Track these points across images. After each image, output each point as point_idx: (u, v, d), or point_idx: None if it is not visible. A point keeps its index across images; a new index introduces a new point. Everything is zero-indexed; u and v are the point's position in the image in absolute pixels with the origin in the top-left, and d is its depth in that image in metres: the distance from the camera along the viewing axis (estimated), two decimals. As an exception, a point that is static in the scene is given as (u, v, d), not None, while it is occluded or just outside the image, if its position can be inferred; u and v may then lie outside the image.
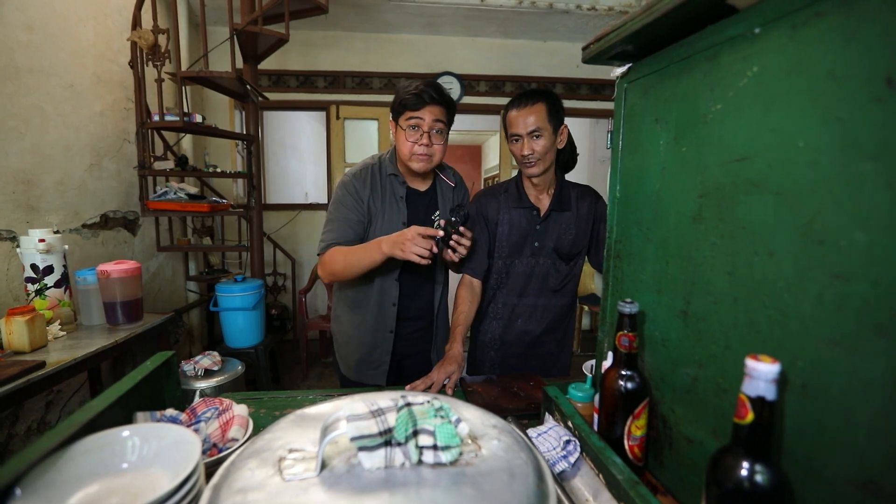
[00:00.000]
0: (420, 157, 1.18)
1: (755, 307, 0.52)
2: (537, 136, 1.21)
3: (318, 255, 1.23)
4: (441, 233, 1.07)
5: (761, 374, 0.43)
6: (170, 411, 0.74)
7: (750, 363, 0.44)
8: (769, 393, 0.44)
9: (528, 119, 1.20)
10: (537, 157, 1.22)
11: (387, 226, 1.24)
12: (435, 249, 1.04)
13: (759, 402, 0.44)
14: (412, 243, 1.02)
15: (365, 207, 1.23)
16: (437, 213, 1.32)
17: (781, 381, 0.46)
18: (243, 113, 2.77)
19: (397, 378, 1.38)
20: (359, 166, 1.27)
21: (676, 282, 0.66)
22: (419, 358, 1.40)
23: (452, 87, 3.74)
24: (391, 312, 1.29)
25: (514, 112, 1.23)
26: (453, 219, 1.12)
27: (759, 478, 0.44)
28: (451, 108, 1.21)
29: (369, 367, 1.32)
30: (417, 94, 1.14)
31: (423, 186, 1.31)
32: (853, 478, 0.42)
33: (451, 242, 1.10)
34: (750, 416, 0.44)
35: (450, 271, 1.43)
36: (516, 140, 1.24)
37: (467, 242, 1.12)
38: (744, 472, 0.45)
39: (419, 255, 1.02)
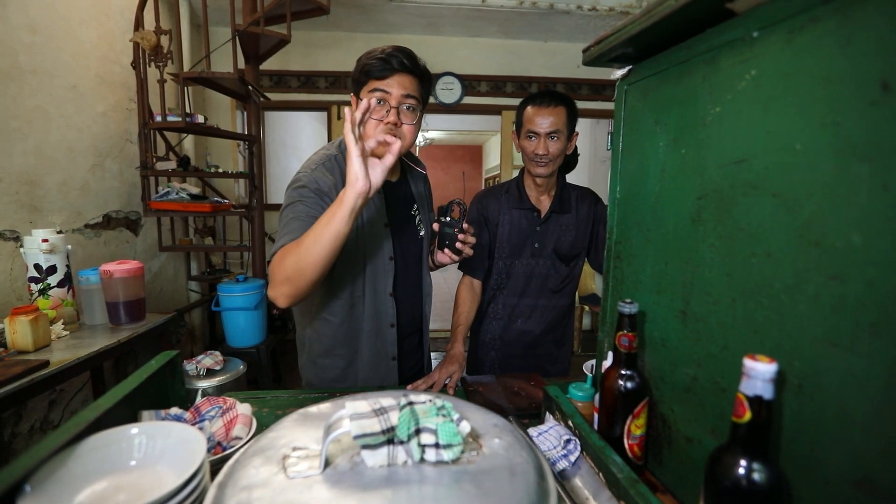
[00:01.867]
0: (388, 141, 0.87)
1: (753, 308, 0.53)
2: (555, 138, 1.21)
3: (269, 261, 0.92)
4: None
5: (759, 373, 0.44)
6: (174, 410, 0.74)
7: (748, 363, 0.45)
8: (766, 392, 0.44)
9: (550, 119, 1.20)
10: (550, 158, 1.23)
11: (367, 229, 1.01)
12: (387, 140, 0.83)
13: (756, 402, 0.45)
14: (358, 136, 0.76)
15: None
16: (416, 207, 1.14)
17: (778, 381, 0.47)
18: (245, 113, 2.78)
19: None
20: (319, 159, 0.99)
21: (676, 282, 0.67)
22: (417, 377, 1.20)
23: (453, 88, 3.74)
24: (391, 337, 1.08)
25: (535, 109, 1.22)
26: (448, 219, 1.03)
27: (756, 476, 0.45)
28: (425, 82, 0.97)
29: None
30: (384, 58, 0.91)
31: (393, 176, 1.10)
32: (848, 475, 0.42)
33: (458, 245, 1.03)
34: (747, 415, 0.45)
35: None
36: (532, 137, 1.23)
37: (472, 240, 1.04)
38: (741, 471, 0.45)
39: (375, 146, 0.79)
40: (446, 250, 1.05)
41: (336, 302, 1.04)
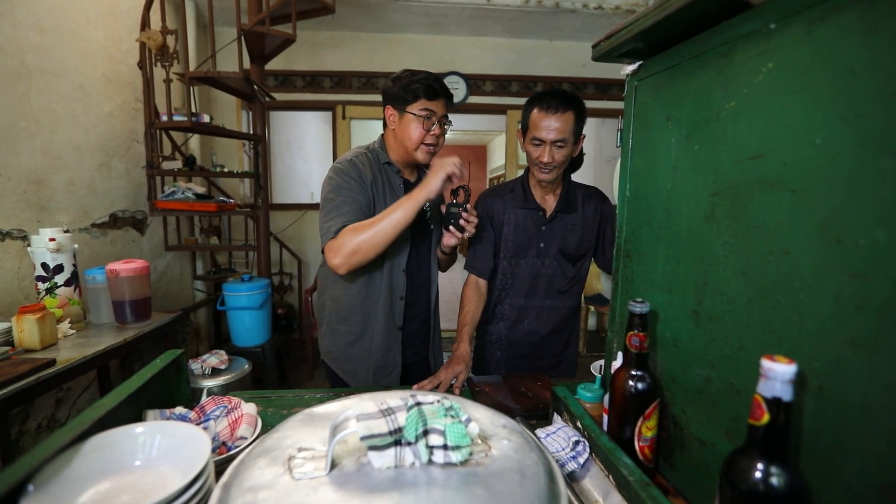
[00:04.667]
0: (428, 148, 1.18)
1: (770, 307, 0.51)
2: (560, 147, 1.18)
3: (328, 241, 1.08)
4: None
5: (777, 374, 0.43)
6: (179, 409, 0.74)
7: (766, 363, 0.43)
8: (785, 394, 0.43)
9: (556, 126, 1.15)
10: (555, 165, 1.20)
11: None
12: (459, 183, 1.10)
13: (775, 404, 0.43)
14: (452, 163, 1.05)
15: (369, 191, 1.16)
16: (428, 204, 1.22)
17: (798, 382, 0.45)
18: (250, 113, 2.79)
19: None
20: (352, 154, 1.21)
21: (688, 281, 0.65)
22: (421, 365, 1.37)
23: (458, 87, 3.73)
24: (399, 307, 1.25)
25: (541, 113, 1.16)
26: (454, 200, 1.14)
27: (775, 480, 0.43)
28: (450, 104, 1.22)
29: (384, 374, 1.24)
30: (432, 85, 1.14)
31: (412, 177, 1.30)
32: (872, 480, 0.41)
33: (461, 222, 1.14)
34: (766, 418, 0.44)
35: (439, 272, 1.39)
36: (537, 144, 1.19)
37: (475, 220, 1.15)
38: (759, 475, 0.44)
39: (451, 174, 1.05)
40: (451, 228, 1.16)
41: (357, 273, 1.19)
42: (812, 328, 0.46)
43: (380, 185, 1.19)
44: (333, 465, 0.45)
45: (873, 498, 0.41)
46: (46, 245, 1.54)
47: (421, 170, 1.33)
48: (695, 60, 0.63)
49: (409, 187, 1.23)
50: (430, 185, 1.04)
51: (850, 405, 0.43)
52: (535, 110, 1.18)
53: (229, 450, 0.70)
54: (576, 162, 1.38)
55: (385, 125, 1.25)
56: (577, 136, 1.21)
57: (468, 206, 1.15)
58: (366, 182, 1.16)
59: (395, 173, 1.23)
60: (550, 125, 1.16)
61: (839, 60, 0.43)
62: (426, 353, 1.38)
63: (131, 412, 0.67)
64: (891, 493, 0.39)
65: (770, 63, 0.51)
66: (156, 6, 2.26)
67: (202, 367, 1.54)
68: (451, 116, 1.22)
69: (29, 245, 1.56)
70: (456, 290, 1.42)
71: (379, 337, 1.23)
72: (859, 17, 0.41)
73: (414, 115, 1.14)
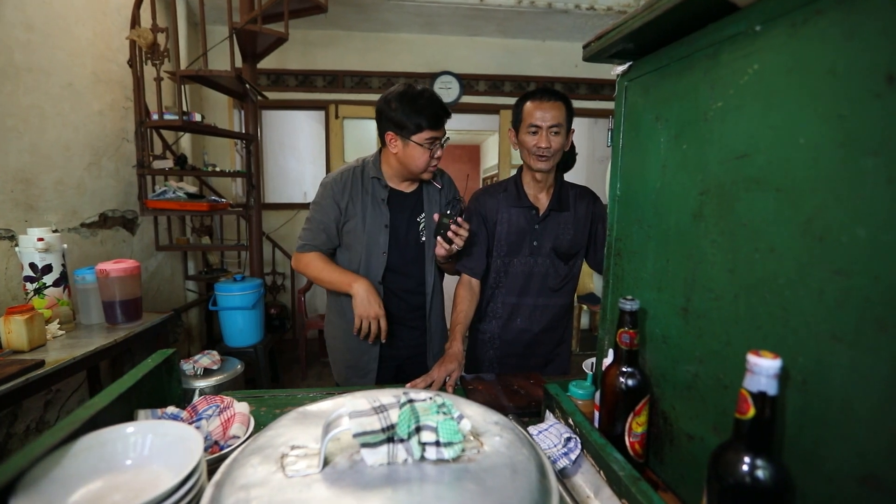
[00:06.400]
0: (433, 168, 1.26)
1: (756, 304, 0.52)
2: (556, 132, 1.22)
3: (296, 251, 1.30)
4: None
5: (763, 369, 0.43)
6: (171, 409, 0.74)
7: (751, 359, 0.44)
8: (770, 388, 0.44)
9: (551, 113, 1.21)
10: (552, 151, 1.23)
11: (369, 228, 1.28)
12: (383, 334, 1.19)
13: (760, 398, 0.44)
14: (368, 317, 1.17)
15: (339, 212, 1.27)
16: (423, 215, 1.34)
17: (783, 377, 0.46)
18: (242, 112, 2.77)
19: (396, 382, 1.38)
20: (340, 170, 1.31)
21: (677, 279, 0.66)
22: (416, 360, 1.41)
23: (451, 87, 3.74)
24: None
25: (535, 104, 1.23)
26: (448, 212, 1.17)
27: (760, 473, 0.44)
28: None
29: (356, 375, 1.34)
30: (437, 115, 1.19)
31: (409, 188, 1.34)
32: (853, 472, 0.42)
33: (449, 234, 1.15)
34: (751, 412, 0.45)
35: (443, 276, 1.44)
36: (534, 132, 1.23)
37: (464, 233, 1.16)
38: (745, 468, 0.45)
39: (362, 326, 1.18)
40: (439, 239, 1.18)
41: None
42: (796, 324, 0.47)
43: (360, 199, 1.28)
44: (326, 463, 0.45)
45: (854, 489, 0.42)
46: (35, 245, 1.52)
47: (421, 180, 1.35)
48: (683, 61, 0.64)
49: (397, 197, 1.31)
50: (361, 300, 1.18)
51: (832, 399, 0.44)
52: (529, 102, 1.24)
53: (222, 449, 0.70)
54: (569, 161, 1.39)
55: (383, 143, 1.27)
56: (569, 128, 1.26)
57: (459, 218, 1.17)
58: (339, 203, 1.27)
59: (382, 187, 1.29)
60: (546, 112, 1.21)
61: (821, 62, 0.44)
62: (422, 351, 1.41)
63: (123, 412, 0.66)
64: (870, 484, 0.40)
65: (755, 64, 0.52)
66: (146, 4, 2.24)
67: (194, 367, 1.53)
68: None
69: (17, 245, 1.54)
70: (450, 289, 1.43)
71: (354, 340, 1.30)
72: (840, 21, 0.42)
73: (420, 145, 1.19)
